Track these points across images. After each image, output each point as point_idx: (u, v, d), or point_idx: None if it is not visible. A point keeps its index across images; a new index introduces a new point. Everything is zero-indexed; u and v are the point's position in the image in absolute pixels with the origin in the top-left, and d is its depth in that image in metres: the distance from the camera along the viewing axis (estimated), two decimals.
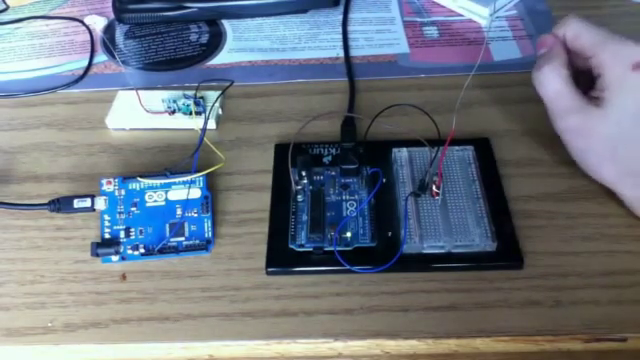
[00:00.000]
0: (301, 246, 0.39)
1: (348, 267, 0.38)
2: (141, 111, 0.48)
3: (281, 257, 0.39)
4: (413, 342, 0.36)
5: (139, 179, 0.42)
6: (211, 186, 0.43)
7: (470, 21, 0.58)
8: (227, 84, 0.50)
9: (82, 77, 0.54)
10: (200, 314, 0.38)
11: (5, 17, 0.61)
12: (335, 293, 0.38)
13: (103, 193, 0.42)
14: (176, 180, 0.42)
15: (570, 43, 0.40)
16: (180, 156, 0.45)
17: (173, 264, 0.40)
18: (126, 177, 0.42)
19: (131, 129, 0.49)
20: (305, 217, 0.40)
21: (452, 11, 0.59)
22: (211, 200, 0.42)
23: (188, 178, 0.42)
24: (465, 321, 0.36)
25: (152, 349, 0.37)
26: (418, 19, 0.59)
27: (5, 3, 0.62)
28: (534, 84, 0.40)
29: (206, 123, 0.45)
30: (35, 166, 0.47)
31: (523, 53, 0.54)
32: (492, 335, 0.36)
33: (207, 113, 0.46)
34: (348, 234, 0.39)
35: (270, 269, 0.39)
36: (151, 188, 0.42)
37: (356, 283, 0.38)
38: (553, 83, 0.39)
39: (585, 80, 0.40)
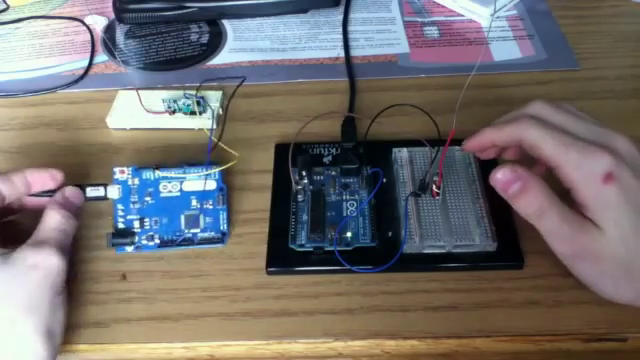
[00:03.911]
0: (301, 246, 0.39)
1: (348, 267, 0.38)
2: (141, 111, 0.48)
3: (281, 257, 0.39)
4: (413, 342, 0.36)
5: (156, 172, 0.42)
6: None
7: (470, 21, 0.58)
8: (228, 83, 0.50)
9: (82, 77, 0.54)
10: (200, 314, 0.38)
11: (5, 17, 0.61)
12: (335, 293, 0.38)
13: (116, 182, 0.41)
14: (191, 174, 0.42)
15: (528, 151, 0.36)
16: (180, 156, 0.45)
17: (173, 264, 0.40)
18: (140, 166, 0.42)
19: (131, 129, 0.49)
20: (305, 217, 0.40)
21: (452, 11, 0.59)
22: (226, 193, 0.42)
23: (205, 173, 0.42)
24: (465, 321, 0.36)
25: (152, 349, 0.37)
26: (419, 19, 0.59)
27: (5, 3, 0.62)
28: (529, 219, 0.35)
29: (213, 121, 0.46)
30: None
31: (523, 53, 0.54)
32: (492, 335, 0.36)
33: (214, 111, 0.47)
34: (348, 234, 0.39)
35: (270, 269, 0.39)
36: (166, 178, 0.42)
37: (356, 283, 0.38)
38: (551, 213, 0.34)
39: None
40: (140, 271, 0.40)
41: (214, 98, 0.49)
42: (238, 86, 0.49)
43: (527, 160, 0.37)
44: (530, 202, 0.35)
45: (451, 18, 0.59)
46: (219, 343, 0.37)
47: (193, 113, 0.48)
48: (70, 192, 0.40)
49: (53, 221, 0.37)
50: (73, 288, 0.39)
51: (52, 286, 0.35)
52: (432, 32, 0.57)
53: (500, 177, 0.35)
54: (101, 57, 0.57)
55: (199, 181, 0.42)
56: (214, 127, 0.48)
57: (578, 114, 0.37)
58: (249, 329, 0.37)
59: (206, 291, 0.39)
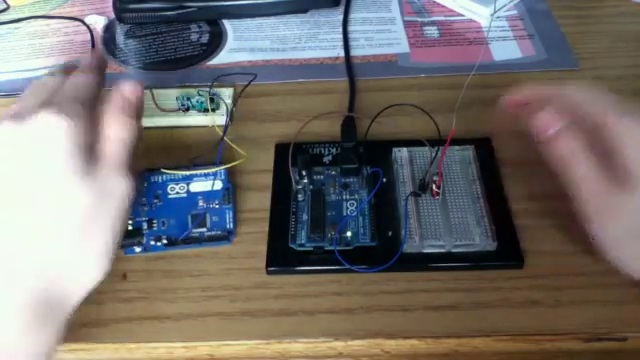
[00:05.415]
0: (301, 246, 0.39)
1: (348, 267, 0.38)
2: (154, 109, 0.48)
3: (281, 257, 0.39)
4: (413, 342, 0.36)
5: (163, 170, 0.43)
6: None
7: (470, 21, 0.58)
8: (234, 82, 0.50)
9: None
10: (200, 314, 0.38)
11: (5, 17, 0.61)
12: (335, 293, 0.38)
13: None
14: (197, 172, 0.43)
15: (576, 109, 0.37)
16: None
17: (173, 264, 0.40)
18: (148, 169, 0.43)
19: (144, 127, 0.48)
20: (305, 217, 0.40)
21: (452, 11, 0.59)
22: (232, 192, 0.42)
23: (211, 170, 0.42)
24: (465, 321, 0.36)
25: (152, 349, 0.37)
26: (418, 19, 0.59)
27: (5, 3, 0.62)
28: (561, 165, 0.36)
29: (228, 118, 0.47)
30: None
31: (523, 53, 0.54)
32: (492, 335, 0.36)
33: (229, 108, 0.47)
34: (348, 234, 0.39)
35: (270, 268, 0.39)
36: (173, 180, 0.43)
37: (356, 283, 0.38)
38: (584, 160, 0.35)
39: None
40: (140, 271, 0.40)
41: (226, 95, 0.49)
42: (249, 82, 0.49)
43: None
44: (566, 145, 0.36)
45: (451, 18, 0.59)
46: (219, 343, 0.37)
47: (205, 110, 0.48)
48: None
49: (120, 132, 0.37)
50: None
51: (123, 211, 0.35)
52: (432, 32, 0.57)
53: (544, 116, 0.37)
54: None
55: (205, 182, 0.42)
56: (228, 123, 0.48)
57: None
58: (249, 329, 0.37)
59: (206, 291, 0.39)
